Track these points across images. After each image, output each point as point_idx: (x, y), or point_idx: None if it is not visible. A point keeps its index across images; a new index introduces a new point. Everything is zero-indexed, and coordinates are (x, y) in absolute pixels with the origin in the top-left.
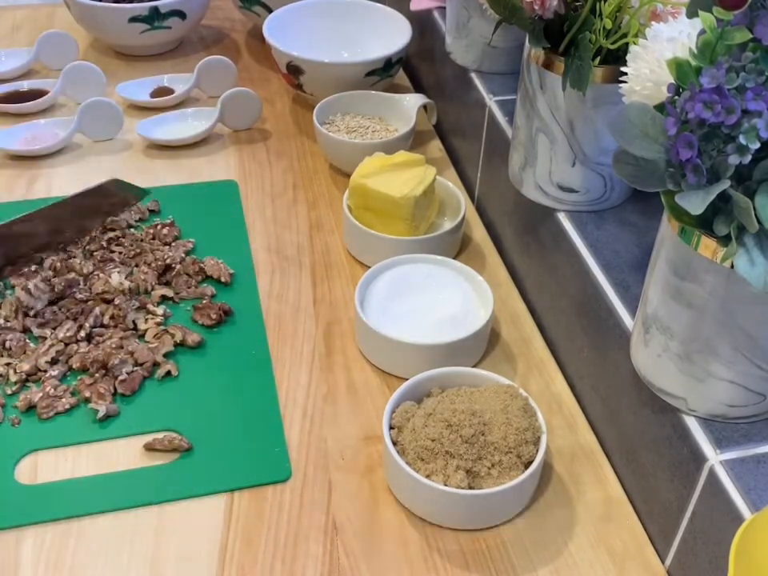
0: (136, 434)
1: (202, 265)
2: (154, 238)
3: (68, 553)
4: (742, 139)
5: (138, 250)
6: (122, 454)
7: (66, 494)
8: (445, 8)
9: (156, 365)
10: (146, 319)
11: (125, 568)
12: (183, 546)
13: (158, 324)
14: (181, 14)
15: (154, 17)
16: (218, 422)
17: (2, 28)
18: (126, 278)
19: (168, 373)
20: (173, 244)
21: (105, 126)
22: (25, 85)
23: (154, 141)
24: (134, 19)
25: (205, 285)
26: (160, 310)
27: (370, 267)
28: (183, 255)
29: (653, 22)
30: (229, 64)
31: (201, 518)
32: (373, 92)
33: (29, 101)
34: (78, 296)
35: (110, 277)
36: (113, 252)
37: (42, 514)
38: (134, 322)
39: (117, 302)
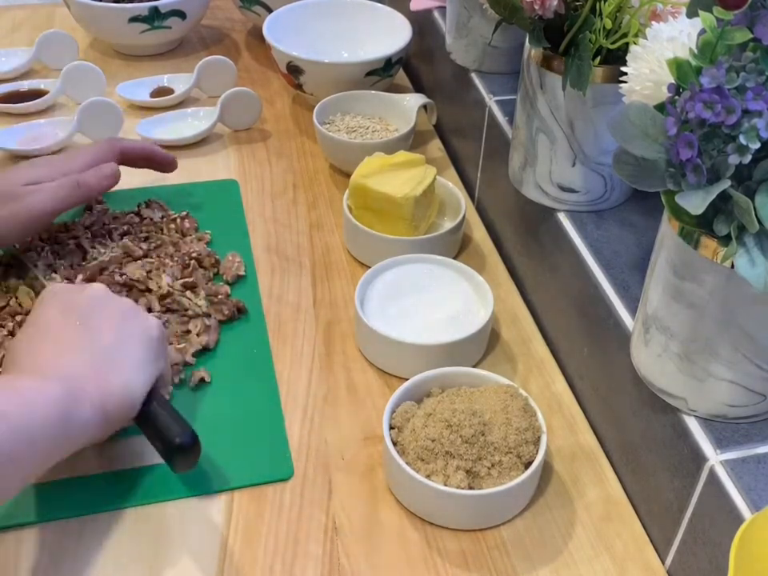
0: (136, 434)
1: (218, 257)
2: (177, 231)
3: (68, 553)
4: (742, 139)
5: (159, 242)
6: (123, 454)
7: (67, 493)
8: (445, 8)
9: (187, 365)
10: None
11: (125, 568)
12: (183, 546)
13: (199, 315)
14: (181, 14)
15: (154, 17)
16: (219, 421)
17: (2, 28)
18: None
19: (201, 380)
20: (192, 236)
21: (105, 126)
22: (25, 85)
23: (154, 141)
24: (134, 19)
25: (220, 283)
26: (201, 301)
27: (370, 267)
28: (205, 247)
29: (653, 22)
30: (229, 64)
31: (201, 517)
32: (373, 92)
33: (29, 101)
34: (117, 278)
35: (161, 278)
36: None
37: (42, 513)
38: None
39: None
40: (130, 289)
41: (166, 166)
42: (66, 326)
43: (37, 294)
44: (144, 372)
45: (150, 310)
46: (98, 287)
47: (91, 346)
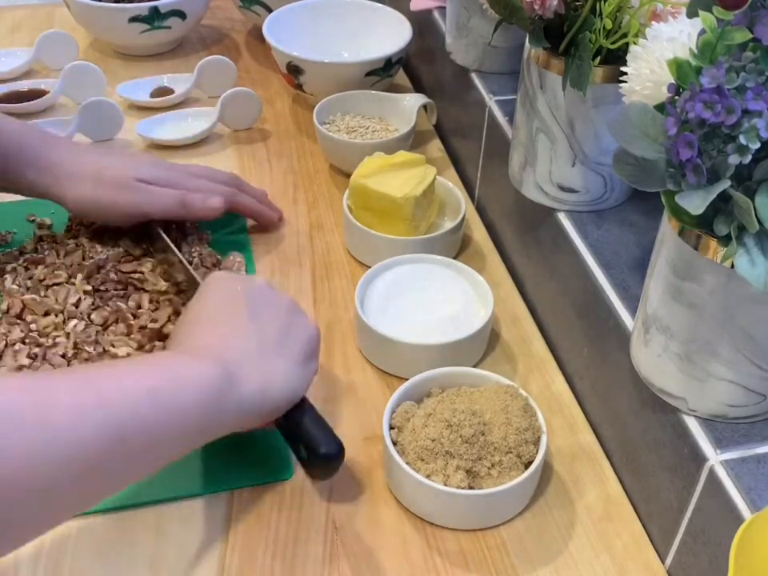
0: None
1: (219, 257)
2: (177, 231)
3: (68, 553)
4: (742, 139)
5: None
6: None
7: None
8: (445, 8)
9: None
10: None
11: (125, 568)
12: (183, 546)
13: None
14: (181, 14)
15: (154, 17)
16: None
17: (2, 28)
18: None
19: None
20: (193, 236)
21: (105, 126)
22: (25, 85)
23: (154, 141)
24: (134, 19)
25: None
26: None
27: (370, 267)
28: (206, 247)
29: (653, 22)
30: (229, 64)
31: (201, 517)
32: (373, 92)
33: (29, 101)
34: (112, 276)
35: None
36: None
37: None
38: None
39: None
40: (125, 286)
41: (267, 225)
42: (231, 313)
43: (165, 271)
44: (305, 368)
45: (139, 308)
46: (260, 281)
47: (257, 335)
